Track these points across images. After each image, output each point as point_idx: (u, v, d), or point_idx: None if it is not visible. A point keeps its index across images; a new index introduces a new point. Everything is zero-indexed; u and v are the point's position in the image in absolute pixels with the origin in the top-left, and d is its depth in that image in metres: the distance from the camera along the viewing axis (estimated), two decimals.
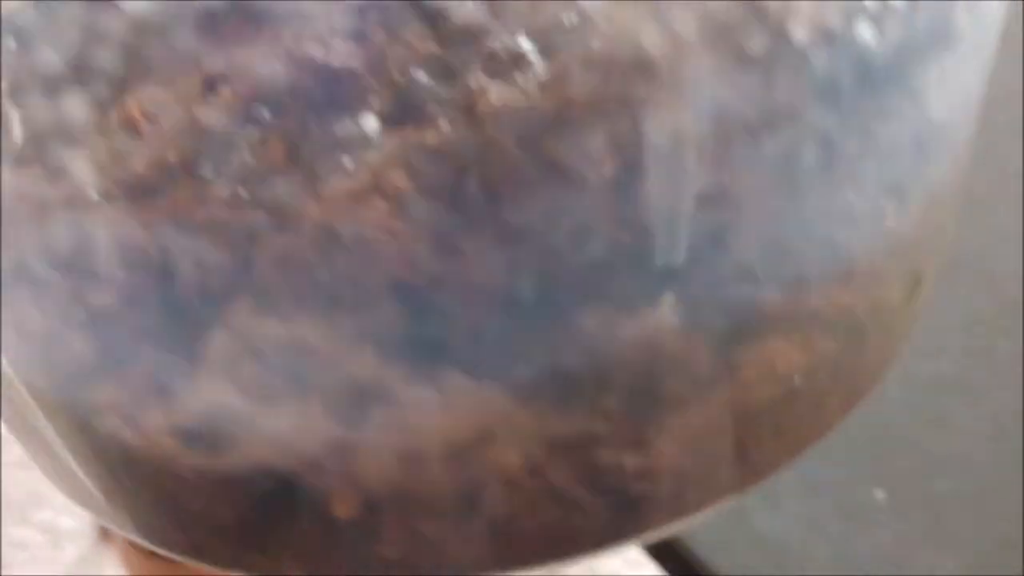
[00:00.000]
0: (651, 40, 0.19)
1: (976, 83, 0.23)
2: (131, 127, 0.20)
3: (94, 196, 0.20)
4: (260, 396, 0.20)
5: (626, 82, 0.19)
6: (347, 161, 0.19)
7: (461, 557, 0.21)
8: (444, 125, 0.19)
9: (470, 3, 0.19)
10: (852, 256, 0.21)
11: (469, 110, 0.19)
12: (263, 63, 0.19)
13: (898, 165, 0.21)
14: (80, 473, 0.21)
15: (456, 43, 0.19)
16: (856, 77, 0.19)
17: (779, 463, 0.23)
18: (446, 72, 0.19)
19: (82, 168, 0.20)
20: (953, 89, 0.21)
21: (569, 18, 0.19)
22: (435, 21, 0.19)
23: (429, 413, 0.19)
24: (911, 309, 0.24)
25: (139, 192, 0.19)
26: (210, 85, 0.19)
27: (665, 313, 0.21)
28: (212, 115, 0.19)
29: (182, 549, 0.22)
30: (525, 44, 0.19)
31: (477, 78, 0.19)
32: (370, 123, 0.19)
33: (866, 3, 0.19)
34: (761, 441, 0.22)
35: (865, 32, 0.19)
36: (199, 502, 0.21)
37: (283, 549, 0.21)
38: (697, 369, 0.20)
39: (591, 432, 0.20)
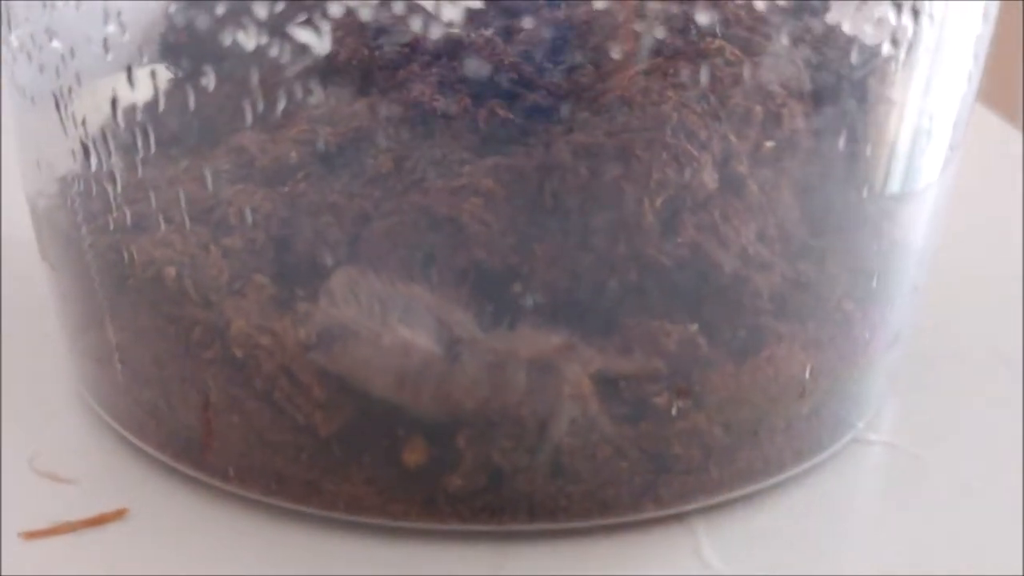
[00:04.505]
0: None
1: None
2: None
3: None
4: (367, 320, 0.23)
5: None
6: (445, 172, 0.24)
7: (523, 496, 0.24)
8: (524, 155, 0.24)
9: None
10: None
11: (547, 146, 0.24)
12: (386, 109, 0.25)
13: None
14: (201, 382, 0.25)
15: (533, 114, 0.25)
16: None
17: (785, 465, 0.27)
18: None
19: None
20: None
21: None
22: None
23: (505, 350, 0.23)
24: None
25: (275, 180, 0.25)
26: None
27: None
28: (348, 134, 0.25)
29: (265, 479, 0.25)
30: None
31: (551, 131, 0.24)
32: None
33: None
34: (774, 435, 0.26)
35: None
36: (304, 408, 0.24)
37: (358, 477, 0.24)
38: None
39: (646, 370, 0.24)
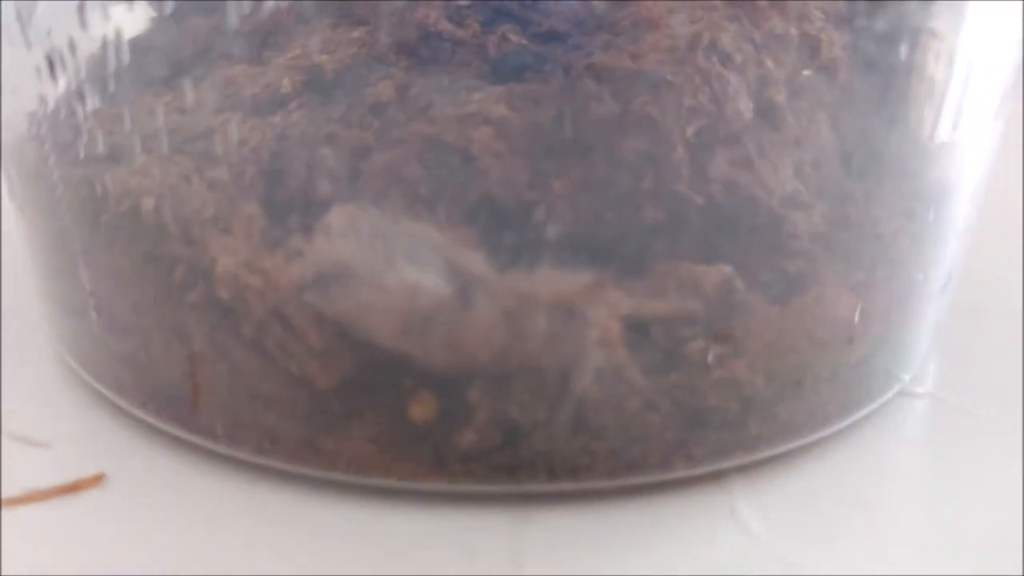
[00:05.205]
0: None
1: None
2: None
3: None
4: (369, 258, 0.21)
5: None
6: (452, 100, 0.22)
7: (542, 454, 0.22)
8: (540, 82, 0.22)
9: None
10: None
11: (567, 69, 0.22)
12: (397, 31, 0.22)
13: None
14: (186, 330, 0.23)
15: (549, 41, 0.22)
16: None
17: (830, 419, 0.25)
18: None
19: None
20: None
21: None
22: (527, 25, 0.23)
23: (524, 292, 0.21)
24: None
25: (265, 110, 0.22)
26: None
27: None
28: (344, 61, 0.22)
29: (257, 438, 0.23)
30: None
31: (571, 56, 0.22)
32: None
33: None
34: (819, 386, 0.24)
35: None
36: (299, 358, 0.22)
37: (361, 434, 0.22)
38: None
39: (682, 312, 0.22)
